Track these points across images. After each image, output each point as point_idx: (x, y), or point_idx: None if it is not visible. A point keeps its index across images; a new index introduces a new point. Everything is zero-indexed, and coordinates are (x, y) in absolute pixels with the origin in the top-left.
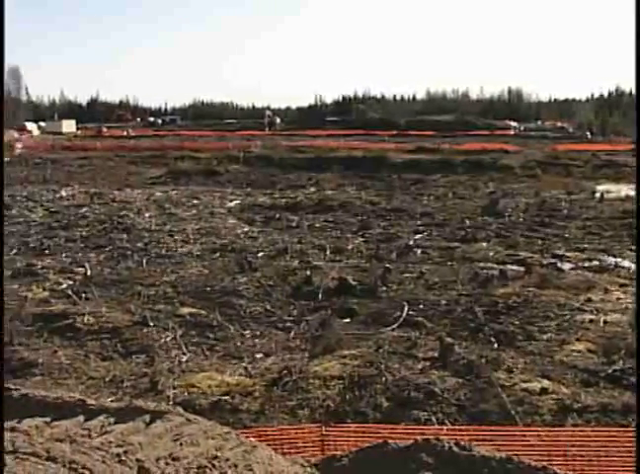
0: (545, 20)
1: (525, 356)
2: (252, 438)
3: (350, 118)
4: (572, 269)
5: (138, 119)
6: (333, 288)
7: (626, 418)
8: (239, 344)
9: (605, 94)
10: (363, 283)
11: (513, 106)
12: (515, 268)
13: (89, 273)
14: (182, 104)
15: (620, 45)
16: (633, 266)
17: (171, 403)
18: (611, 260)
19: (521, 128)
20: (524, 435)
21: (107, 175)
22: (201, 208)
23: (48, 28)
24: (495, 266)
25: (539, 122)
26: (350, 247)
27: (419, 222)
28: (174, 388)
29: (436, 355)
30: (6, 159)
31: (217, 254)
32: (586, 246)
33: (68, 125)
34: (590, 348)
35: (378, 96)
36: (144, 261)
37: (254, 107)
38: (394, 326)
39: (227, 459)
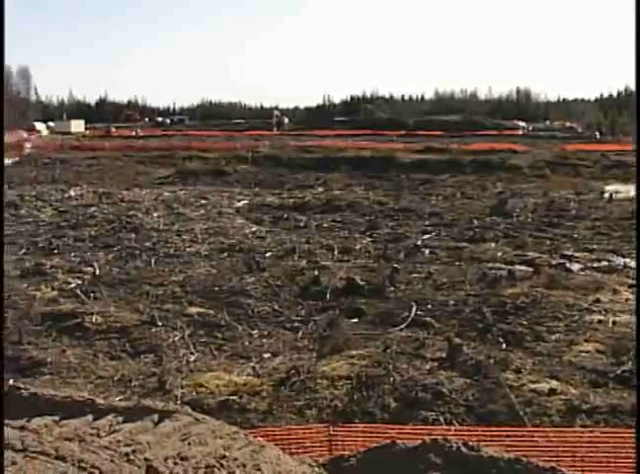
0: (554, 19)
1: (534, 357)
2: (260, 438)
3: (358, 119)
4: (581, 269)
5: (147, 119)
6: (341, 288)
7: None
8: (247, 343)
9: (615, 94)
10: (371, 283)
11: (521, 106)
12: (523, 268)
13: (97, 272)
14: (190, 104)
15: (629, 45)
16: None
17: (179, 402)
18: (620, 260)
19: (530, 128)
20: (533, 436)
21: (115, 175)
22: (210, 208)
23: (55, 28)
24: (503, 266)
25: (548, 122)
26: (358, 247)
27: (427, 222)
28: (182, 388)
29: (444, 355)
30: (15, 159)
31: (225, 254)
32: (594, 246)
33: (77, 125)
34: (598, 348)
35: (386, 96)
36: (152, 260)
37: (262, 107)
38: (402, 326)
39: (235, 459)
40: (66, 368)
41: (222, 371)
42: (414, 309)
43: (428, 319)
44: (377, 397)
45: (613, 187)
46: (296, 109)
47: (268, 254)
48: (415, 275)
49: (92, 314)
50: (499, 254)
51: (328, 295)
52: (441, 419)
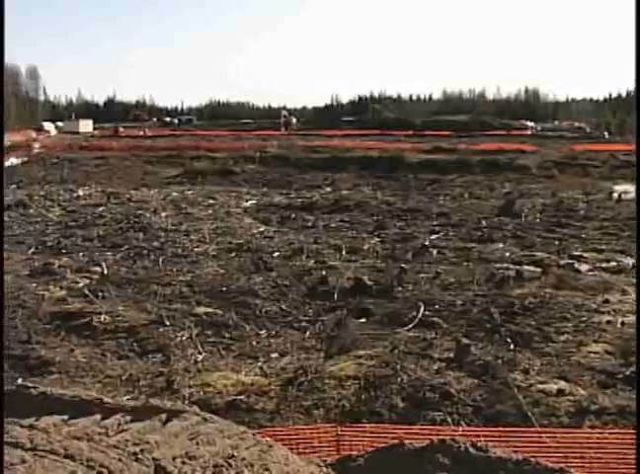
0: (563, 19)
1: (542, 358)
2: (267, 438)
3: (366, 118)
4: (589, 270)
5: (155, 119)
6: (348, 288)
7: None
8: (255, 343)
9: (624, 94)
10: (379, 284)
11: (529, 106)
12: (531, 268)
13: (106, 272)
14: (198, 104)
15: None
16: None
17: (187, 402)
18: (629, 261)
19: (538, 128)
20: (541, 437)
21: (123, 174)
22: (217, 208)
23: (64, 28)
24: (511, 266)
25: (556, 122)
26: (365, 247)
27: (435, 222)
28: (190, 387)
29: (451, 355)
30: (24, 159)
31: (233, 254)
32: (603, 247)
33: (85, 125)
34: (607, 349)
35: (394, 96)
36: (160, 260)
37: (270, 107)
38: (410, 326)
39: (243, 459)
40: (74, 368)
41: (230, 371)
42: (422, 309)
43: (435, 319)
44: (385, 397)
45: (622, 187)
46: (304, 109)
47: (275, 254)
48: (423, 275)
49: (100, 314)
50: (507, 254)
51: (336, 295)
52: (449, 419)
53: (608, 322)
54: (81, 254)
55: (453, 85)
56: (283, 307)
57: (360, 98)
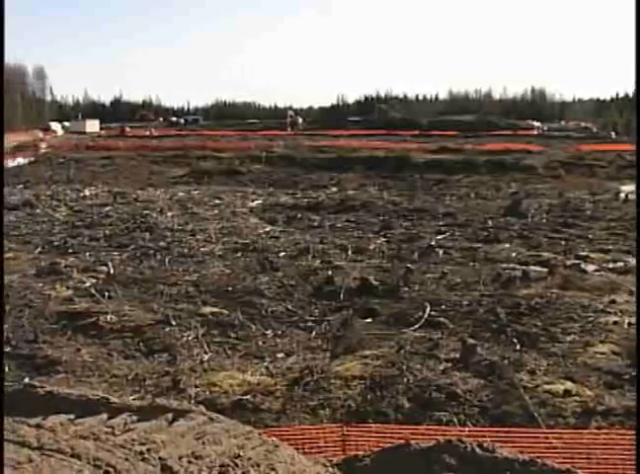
0: (570, 19)
1: (548, 358)
2: (273, 438)
3: (372, 118)
4: (596, 270)
5: (161, 119)
6: (354, 288)
7: None
8: (261, 343)
9: (630, 93)
10: (385, 284)
11: (536, 106)
12: (537, 269)
13: (112, 271)
14: (204, 103)
15: None
16: None
17: (193, 402)
18: (636, 261)
19: (545, 128)
20: (548, 438)
21: (129, 174)
22: (224, 208)
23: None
24: (517, 266)
25: (563, 122)
26: (371, 247)
27: (441, 222)
28: (196, 387)
29: (457, 355)
30: (31, 159)
31: (239, 253)
32: (610, 247)
33: (92, 125)
34: (614, 350)
35: (400, 96)
36: (167, 260)
37: (276, 107)
38: (416, 326)
39: (250, 458)
40: (81, 367)
41: (236, 371)
42: (428, 309)
43: (442, 319)
44: (391, 397)
45: (629, 187)
46: (310, 108)
47: (281, 254)
48: (429, 275)
49: (106, 313)
50: (513, 254)
51: (342, 295)
52: (455, 419)
53: (615, 322)
54: (87, 254)
55: (460, 85)
56: (289, 307)
57: (366, 98)
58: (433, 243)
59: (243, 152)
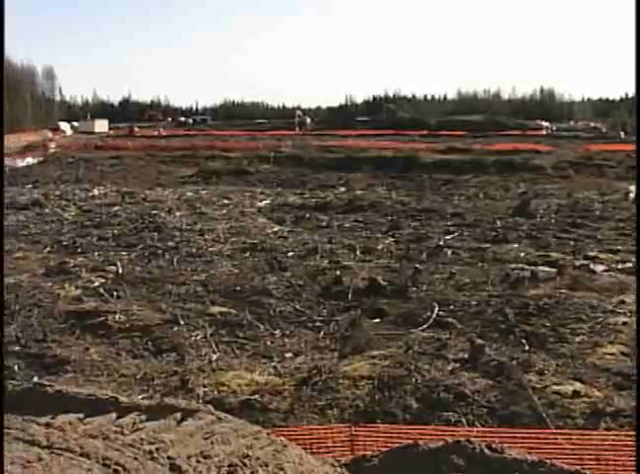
0: (579, 18)
1: (557, 359)
2: (282, 438)
3: (380, 118)
4: (605, 270)
5: (169, 119)
6: (363, 288)
7: None
8: (269, 343)
9: None
10: (393, 284)
11: (545, 106)
12: (546, 269)
13: (120, 271)
14: (212, 103)
15: None
16: None
17: (201, 401)
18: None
19: (554, 128)
20: (556, 439)
21: (138, 174)
22: (232, 208)
23: (79, 27)
24: (526, 267)
25: (572, 122)
26: (380, 247)
27: (449, 223)
28: (204, 387)
29: (466, 356)
30: (40, 158)
31: (247, 253)
32: (619, 247)
33: (101, 125)
34: (623, 350)
35: (409, 96)
36: (175, 260)
37: (284, 107)
38: (424, 327)
39: (258, 458)
40: (89, 366)
41: (244, 371)
42: (436, 310)
43: (450, 320)
44: (399, 397)
45: None
46: (318, 108)
47: (290, 254)
48: (437, 275)
49: (115, 313)
50: (522, 254)
51: (350, 295)
52: (464, 420)
53: (624, 323)
54: (96, 253)
55: (468, 85)
56: (298, 307)
57: (374, 98)
58: (441, 243)
59: (251, 152)
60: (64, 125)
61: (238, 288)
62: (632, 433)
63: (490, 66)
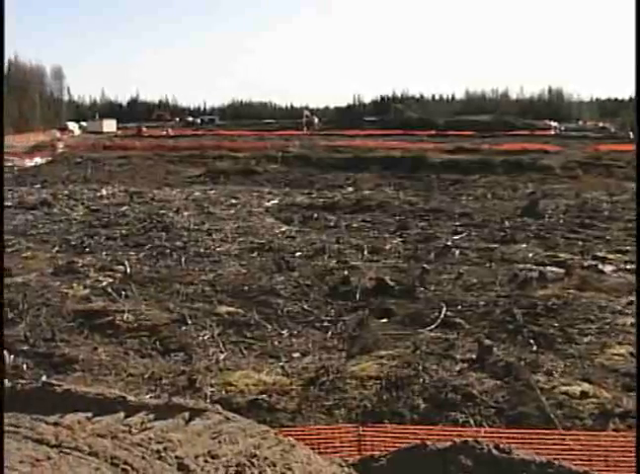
0: (587, 18)
1: (565, 359)
2: (289, 437)
3: (388, 118)
4: (613, 271)
5: (177, 119)
6: (370, 288)
7: None
8: (276, 343)
9: None
10: (401, 284)
11: (553, 105)
12: (554, 269)
13: (128, 271)
14: (220, 103)
15: None
16: None
17: (208, 401)
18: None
19: (562, 128)
20: (564, 440)
21: (146, 174)
22: (240, 208)
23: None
24: (534, 267)
25: (580, 122)
26: (387, 247)
27: (457, 223)
28: (211, 386)
29: (474, 356)
30: (48, 158)
31: (255, 253)
32: (628, 248)
33: (109, 125)
34: (631, 351)
35: (417, 96)
36: (183, 259)
37: (292, 106)
38: (432, 327)
39: (266, 458)
40: (98, 366)
41: (252, 370)
42: (444, 310)
43: (458, 320)
44: (407, 398)
45: None
46: (326, 108)
47: (297, 253)
48: (445, 275)
49: (123, 312)
50: (530, 255)
51: (357, 295)
52: (471, 420)
53: (633, 324)
54: (104, 253)
55: (476, 85)
56: (305, 307)
57: (382, 98)
58: (449, 243)
59: (259, 152)
60: (72, 125)
61: (246, 288)
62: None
63: (498, 66)
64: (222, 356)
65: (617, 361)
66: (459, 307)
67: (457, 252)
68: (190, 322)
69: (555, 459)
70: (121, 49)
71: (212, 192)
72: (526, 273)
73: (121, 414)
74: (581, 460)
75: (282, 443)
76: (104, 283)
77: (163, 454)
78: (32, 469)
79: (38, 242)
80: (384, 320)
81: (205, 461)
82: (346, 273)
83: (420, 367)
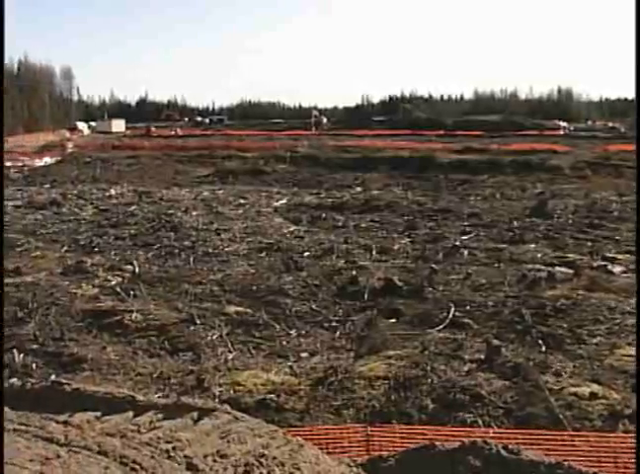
0: (596, 18)
1: (574, 360)
2: (298, 437)
3: (396, 118)
4: (623, 271)
5: (186, 119)
6: (379, 289)
7: None
8: (285, 343)
9: None
10: (410, 284)
11: (562, 105)
12: (563, 270)
13: (137, 270)
14: (229, 103)
15: None
16: None
17: (217, 400)
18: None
19: (571, 129)
20: (573, 441)
21: (155, 174)
22: (248, 208)
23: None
24: (543, 267)
25: (590, 122)
26: (396, 247)
27: (466, 223)
28: (220, 386)
29: (482, 356)
30: (58, 158)
31: (264, 253)
32: (637, 248)
33: (118, 125)
34: None
35: (425, 96)
36: (191, 259)
37: (301, 106)
38: (440, 327)
39: (274, 458)
40: (106, 365)
41: (260, 370)
42: (452, 310)
43: (466, 320)
44: (415, 398)
45: None
46: (335, 108)
47: (306, 253)
48: (453, 275)
49: (132, 312)
50: (539, 255)
51: (366, 295)
52: (480, 421)
53: None
54: (113, 252)
55: (485, 85)
56: (314, 307)
57: (390, 98)
58: (457, 243)
59: (268, 152)
60: (82, 125)
61: (254, 288)
62: None
63: (507, 66)
64: (231, 356)
65: (627, 362)
66: (468, 307)
67: (466, 252)
68: (198, 322)
69: (564, 460)
70: (130, 50)
71: (221, 191)
72: (535, 273)
73: (130, 413)
74: (590, 461)
75: (291, 443)
76: (113, 283)
77: (172, 454)
78: (41, 468)
79: (47, 241)
80: (393, 320)
81: (214, 461)
82: (354, 273)
83: (428, 368)
